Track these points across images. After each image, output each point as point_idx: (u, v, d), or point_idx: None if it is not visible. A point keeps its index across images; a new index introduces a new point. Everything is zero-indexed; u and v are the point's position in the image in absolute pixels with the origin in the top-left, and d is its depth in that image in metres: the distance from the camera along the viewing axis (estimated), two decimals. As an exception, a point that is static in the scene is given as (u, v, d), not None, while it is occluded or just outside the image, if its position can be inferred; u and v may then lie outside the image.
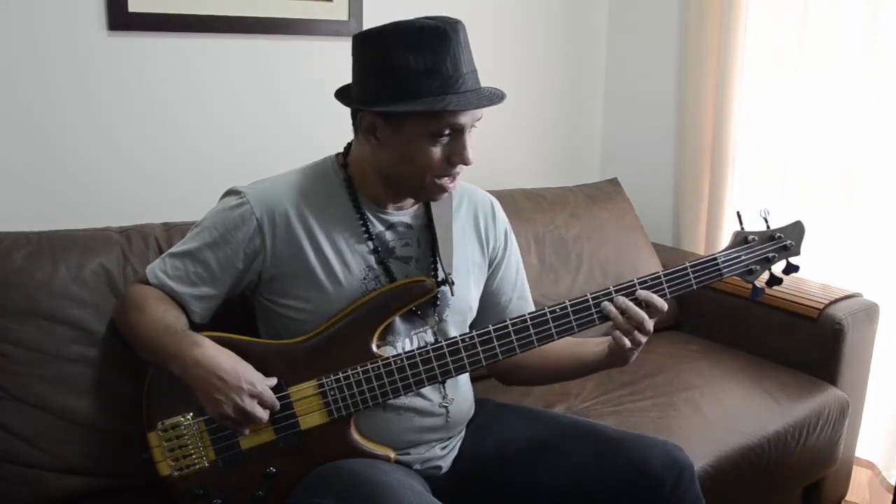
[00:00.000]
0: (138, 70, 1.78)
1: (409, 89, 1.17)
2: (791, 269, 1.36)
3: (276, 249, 1.29)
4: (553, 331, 1.28)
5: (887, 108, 2.00)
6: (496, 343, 1.27)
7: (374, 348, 1.28)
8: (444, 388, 1.36)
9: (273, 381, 1.25)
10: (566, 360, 1.41)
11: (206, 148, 1.91)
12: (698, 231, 2.40)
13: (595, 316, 1.28)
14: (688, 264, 1.31)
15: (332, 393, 1.26)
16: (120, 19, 1.72)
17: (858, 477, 2.18)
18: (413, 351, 1.27)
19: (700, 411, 1.77)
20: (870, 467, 2.20)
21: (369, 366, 1.26)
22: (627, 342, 1.26)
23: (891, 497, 2.08)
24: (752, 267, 1.35)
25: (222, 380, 1.19)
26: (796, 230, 1.37)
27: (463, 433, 1.45)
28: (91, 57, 1.72)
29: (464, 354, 1.27)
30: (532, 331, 1.28)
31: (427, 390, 1.33)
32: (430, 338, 1.35)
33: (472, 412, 1.47)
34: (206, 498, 1.27)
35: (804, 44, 2.12)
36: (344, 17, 2.01)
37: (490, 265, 1.46)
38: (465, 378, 1.44)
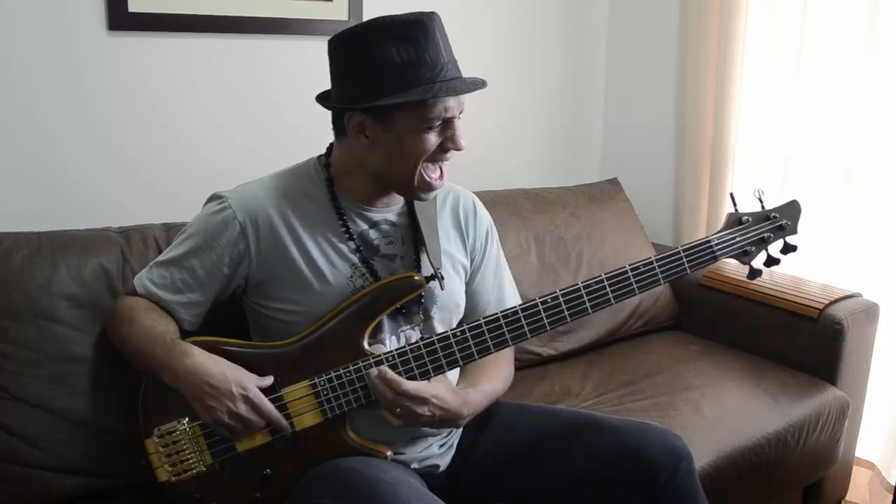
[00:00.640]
0: (138, 70, 1.79)
1: (395, 82, 1.17)
2: (788, 248, 1.34)
3: (261, 253, 1.29)
4: (545, 321, 1.27)
5: (887, 109, 2.00)
6: (488, 335, 1.27)
7: (366, 346, 1.28)
8: None
9: (269, 380, 1.25)
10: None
11: (206, 148, 1.91)
12: (698, 231, 2.40)
13: (587, 304, 1.27)
14: (680, 248, 1.31)
15: (325, 393, 1.26)
16: (120, 19, 1.73)
17: (858, 477, 2.18)
18: (405, 347, 1.26)
19: (700, 411, 1.77)
20: (870, 467, 2.20)
21: (361, 364, 1.26)
22: (389, 416, 1.22)
23: (891, 497, 2.08)
24: (748, 248, 1.34)
25: (213, 386, 1.19)
26: (792, 209, 1.36)
27: (460, 431, 1.45)
28: (91, 57, 1.72)
29: (455, 348, 1.27)
30: (524, 322, 1.27)
31: None
32: (416, 335, 1.34)
33: None
34: (204, 501, 1.28)
35: (804, 43, 2.12)
36: (344, 17, 2.01)
37: (471, 263, 1.46)
38: (456, 376, 1.43)
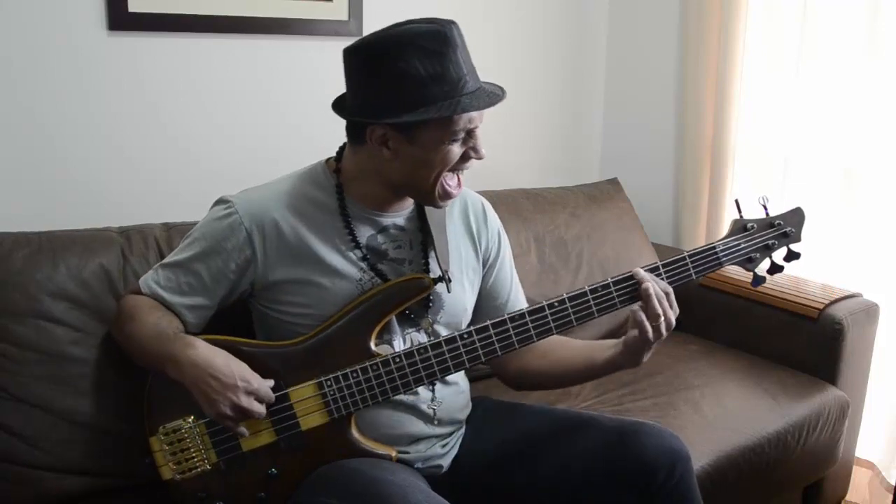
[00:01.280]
0: (138, 70, 1.78)
1: (419, 97, 1.17)
2: (792, 256, 1.35)
3: (268, 258, 1.29)
4: (551, 324, 1.27)
5: (887, 109, 2.00)
6: (495, 338, 1.27)
7: (373, 347, 1.28)
8: (433, 388, 1.36)
9: (269, 383, 1.25)
10: (577, 363, 1.40)
11: (207, 148, 1.91)
12: (698, 231, 2.40)
13: (594, 308, 1.28)
14: (686, 254, 1.31)
15: (332, 393, 1.26)
16: (120, 19, 1.72)
17: (858, 477, 2.18)
18: (412, 349, 1.26)
19: (700, 411, 1.77)
20: (870, 467, 2.20)
21: (368, 365, 1.26)
22: (651, 332, 1.24)
23: (891, 497, 2.09)
24: (752, 255, 1.34)
25: (217, 379, 1.19)
26: (796, 217, 1.36)
27: (462, 432, 1.45)
28: (91, 57, 1.72)
29: (462, 350, 1.27)
30: (530, 324, 1.27)
31: (418, 390, 1.32)
32: (422, 338, 1.34)
33: (468, 409, 1.47)
34: (208, 500, 1.27)
35: (804, 43, 2.12)
36: (344, 17, 2.01)
37: (484, 266, 1.46)
38: (459, 378, 1.43)
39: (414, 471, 1.32)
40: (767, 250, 1.35)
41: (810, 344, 1.97)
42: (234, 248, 1.28)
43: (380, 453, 1.29)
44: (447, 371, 1.27)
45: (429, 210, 1.37)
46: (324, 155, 1.39)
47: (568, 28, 2.51)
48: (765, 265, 1.37)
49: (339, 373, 1.26)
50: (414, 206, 1.38)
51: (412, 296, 1.30)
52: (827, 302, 1.96)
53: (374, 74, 1.21)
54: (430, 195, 1.27)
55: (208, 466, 1.27)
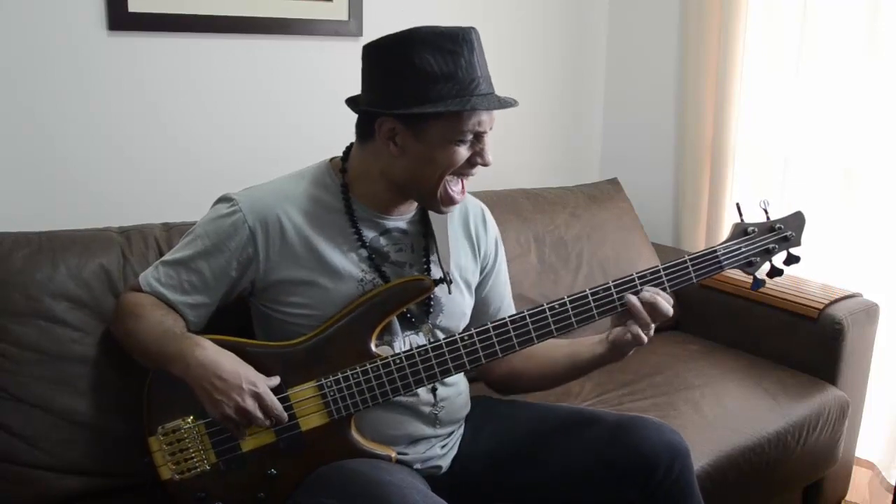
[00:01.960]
0: (138, 70, 1.78)
1: (430, 92, 1.18)
2: (792, 260, 1.35)
3: (270, 257, 1.28)
4: (552, 326, 1.27)
5: (887, 109, 2.00)
6: (495, 340, 1.27)
7: (373, 348, 1.28)
8: (434, 390, 1.36)
9: (276, 380, 1.25)
10: (563, 362, 1.41)
11: (207, 148, 1.91)
12: (698, 231, 2.40)
13: (594, 311, 1.28)
14: (687, 257, 1.31)
15: (332, 394, 1.26)
16: (120, 19, 1.72)
17: (858, 477, 2.18)
18: (412, 350, 1.27)
19: (700, 411, 1.77)
20: (870, 467, 2.20)
21: (368, 366, 1.26)
22: (644, 337, 1.26)
23: (891, 497, 2.09)
24: (753, 259, 1.34)
25: (223, 380, 1.19)
26: (797, 221, 1.36)
27: (461, 432, 1.45)
28: (91, 57, 1.72)
29: (463, 352, 1.27)
30: (531, 326, 1.27)
31: (418, 391, 1.33)
32: (421, 340, 1.34)
33: (467, 409, 1.47)
34: (207, 500, 1.27)
35: (804, 43, 2.12)
36: (344, 17, 2.01)
37: (481, 272, 1.47)
38: (459, 379, 1.43)
39: (413, 471, 1.32)
40: (768, 254, 1.35)
41: (810, 344, 1.97)
42: (236, 247, 1.28)
43: (379, 454, 1.29)
44: (447, 372, 1.27)
45: (432, 213, 1.37)
46: (324, 155, 1.39)
47: (568, 28, 2.51)
48: (765, 268, 1.37)
49: (339, 374, 1.26)
50: (417, 209, 1.38)
51: (413, 297, 1.30)
52: (827, 302, 1.96)
53: (389, 68, 1.22)
54: (432, 198, 1.27)
55: (207, 467, 1.27)
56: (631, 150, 2.61)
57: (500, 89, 1.26)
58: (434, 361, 1.26)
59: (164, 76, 1.82)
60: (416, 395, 1.33)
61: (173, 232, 1.59)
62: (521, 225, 2.07)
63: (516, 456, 1.39)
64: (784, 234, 1.35)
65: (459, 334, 1.27)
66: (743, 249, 1.34)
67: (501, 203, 2.06)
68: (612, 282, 1.28)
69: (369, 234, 1.33)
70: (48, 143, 1.71)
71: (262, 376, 1.23)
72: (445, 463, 1.40)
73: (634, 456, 1.30)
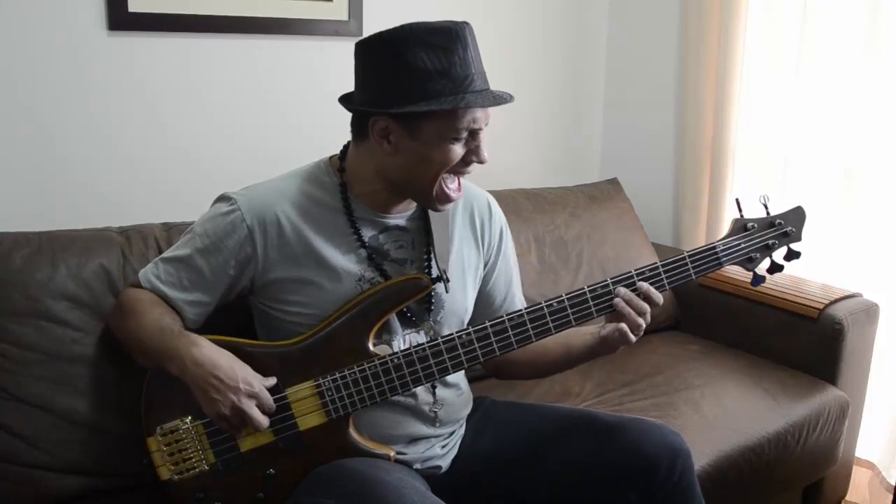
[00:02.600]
0: (138, 70, 1.79)
1: (424, 90, 1.17)
2: (792, 255, 1.34)
3: (268, 256, 1.28)
4: (550, 325, 1.27)
5: (887, 109, 2.00)
6: (493, 339, 1.27)
7: (371, 347, 1.28)
8: (433, 390, 1.36)
9: (272, 380, 1.25)
10: (556, 352, 1.41)
11: (206, 148, 1.91)
12: (698, 231, 2.40)
13: (593, 309, 1.28)
14: (686, 254, 1.31)
15: (330, 393, 1.26)
16: (120, 19, 1.72)
17: (858, 477, 2.18)
18: (410, 349, 1.26)
19: (700, 411, 1.77)
20: (870, 467, 2.20)
21: (366, 365, 1.26)
22: (632, 336, 1.26)
23: (891, 497, 2.08)
24: (752, 255, 1.33)
25: (220, 379, 1.19)
26: (797, 216, 1.35)
27: (461, 432, 1.45)
28: (91, 57, 1.72)
29: (461, 351, 1.27)
30: (529, 325, 1.27)
31: (417, 390, 1.33)
32: (422, 339, 1.34)
33: (468, 408, 1.47)
34: (206, 501, 1.27)
35: (804, 43, 2.12)
36: (344, 17, 2.01)
37: (485, 265, 1.46)
38: (459, 379, 1.43)
39: (411, 471, 1.32)
40: (768, 250, 1.34)
41: (810, 344, 1.97)
42: (235, 245, 1.28)
43: (378, 453, 1.29)
44: (445, 371, 1.27)
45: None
46: (324, 155, 1.39)
47: (568, 28, 2.51)
48: (765, 264, 1.37)
49: (336, 373, 1.26)
50: (417, 206, 1.38)
51: (410, 296, 1.30)
52: (827, 302, 1.96)
53: (381, 66, 1.21)
54: (428, 196, 1.27)
55: (206, 467, 1.27)
56: (631, 150, 2.61)
57: (500, 89, 1.25)
58: (432, 361, 1.26)
59: (164, 76, 1.82)
60: (415, 394, 1.33)
61: (173, 232, 1.59)
62: (521, 225, 2.07)
63: (517, 457, 1.39)
64: (784, 229, 1.34)
65: (457, 333, 1.27)
66: (742, 245, 1.33)
67: (501, 203, 2.02)
68: (611, 279, 1.28)
69: (368, 233, 1.33)
70: (48, 143, 1.71)
71: (258, 376, 1.23)
72: (445, 463, 1.39)
73: (635, 457, 1.30)
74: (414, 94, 1.17)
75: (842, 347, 1.92)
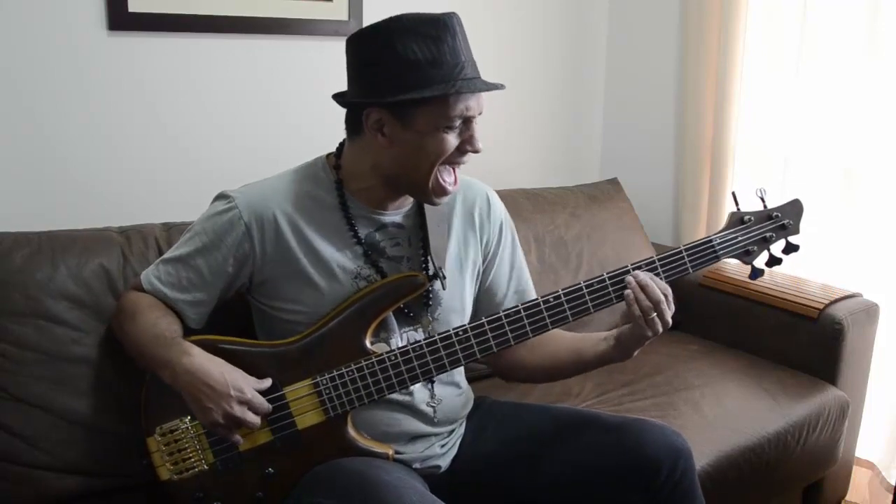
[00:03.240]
0: (138, 70, 1.79)
1: (416, 79, 1.17)
2: (791, 248, 1.33)
3: (266, 254, 1.29)
4: (547, 320, 1.27)
5: (887, 109, 2.00)
6: (490, 335, 1.27)
7: (368, 345, 1.28)
8: (432, 386, 1.36)
9: (266, 382, 1.25)
10: (566, 358, 1.40)
11: (206, 148, 1.91)
12: (698, 231, 2.40)
13: (590, 304, 1.27)
14: (683, 247, 1.30)
15: (328, 391, 1.26)
16: (120, 19, 1.72)
17: (858, 477, 2.18)
18: (407, 346, 1.26)
19: (700, 411, 1.77)
20: (870, 467, 2.20)
21: (363, 363, 1.26)
22: (649, 331, 1.25)
23: (891, 497, 2.08)
24: (750, 248, 1.33)
25: (211, 388, 1.19)
26: (794, 209, 1.35)
27: (461, 432, 1.45)
28: (91, 57, 1.72)
29: (458, 347, 1.27)
30: (526, 321, 1.27)
31: (415, 388, 1.33)
32: (419, 336, 1.34)
33: (468, 407, 1.47)
34: (206, 500, 1.27)
35: (804, 43, 2.12)
36: (344, 17, 2.01)
37: (483, 260, 1.46)
38: (458, 378, 1.43)
39: (410, 470, 1.32)
40: (765, 243, 1.34)
41: (810, 344, 1.97)
42: (233, 243, 1.28)
43: (376, 452, 1.29)
44: (443, 369, 1.27)
45: (427, 206, 1.36)
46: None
47: (568, 28, 2.51)
48: (763, 258, 1.36)
49: (334, 371, 1.26)
50: (413, 203, 1.38)
51: (406, 293, 1.30)
52: (827, 302, 1.96)
53: (372, 59, 1.21)
54: (424, 189, 1.26)
55: (205, 467, 1.27)
56: (631, 150, 2.61)
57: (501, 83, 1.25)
58: (429, 358, 1.26)
59: (164, 76, 1.82)
60: (413, 392, 1.33)
61: (173, 232, 1.59)
62: (521, 225, 2.07)
63: (517, 457, 1.39)
64: (781, 222, 1.33)
65: (454, 329, 1.27)
66: (740, 238, 1.33)
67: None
68: (607, 273, 1.28)
69: (365, 230, 1.33)
70: (48, 143, 1.72)
71: (250, 380, 1.23)
72: (445, 462, 1.39)
73: (637, 458, 1.30)
74: (406, 83, 1.17)
75: (842, 347, 1.92)
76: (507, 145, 2.39)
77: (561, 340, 1.42)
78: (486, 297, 1.47)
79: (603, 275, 1.28)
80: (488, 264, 1.46)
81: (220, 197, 1.33)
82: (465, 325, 1.27)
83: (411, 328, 1.34)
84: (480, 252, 1.44)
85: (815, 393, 1.89)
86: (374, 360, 1.26)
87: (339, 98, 1.30)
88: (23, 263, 1.43)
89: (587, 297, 1.27)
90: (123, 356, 1.36)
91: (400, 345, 1.31)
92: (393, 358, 1.26)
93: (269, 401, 1.24)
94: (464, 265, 1.41)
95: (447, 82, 1.17)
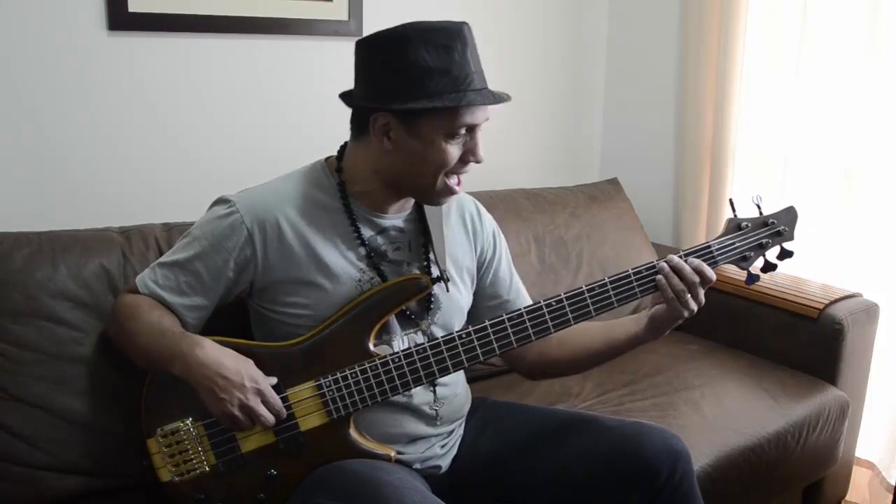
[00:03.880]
0: (138, 70, 1.78)
1: (425, 87, 1.18)
2: (785, 254, 1.36)
3: (268, 258, 1.28)
4: (549, 324, 1.28)
5: (887, 109, 2.00)
6: (493, 338, 1.27)
7: (371, 347, 1.28)
8: (434, 388, 1.36)
9: (273, 380, 1.25)
10: (597, 347, 1.41)
11: (206, 148, 1.91)
12: (698, 231, 2.40)
13: (591, 309, 1.28)
14: (682, 252, 1.32)
15: (331, 393, 1.26)
16: (120, 19, 1.72)
17: (858, 477, 2.18)
18: (410, 349, 1.27)
19: (700, 411, 1.77)
20: (870, 467, 2.20)
21: (367, 365, 1.26)
22: (684, 311, 1.29)
23: (891, 497, 2.08)
24: (747, 254, 1.35)
25: (226, 378, 1.19)
26: (789, 216, 1.37)
27: (461, 432, 1.45)
28: (91, 57, 1.72)
29: (460, 350, 1.27)
30: (528, 324, 1.28)
31: (417, 390, 1.33)
32: (420, 339, 1.34)
33: (467, 407, 1.47)
34: (207, 502, 1.27)
35: (804, 43, 2.12)
36: (344, 17, 2.01)
37: (481, 267, 1.47)
38: (459, 378, 1.43)
39: (412, 471, 1.32)
40: (761, 249, 1.36)
41: (810, 344, 1.97)
42: (234, 247, 1.27)
43: (378, 453, 1.29)
44: (446, 371, 1.28)
45: (428, 211, 1.37)
46: (324, 155, 1.39)
47: (568, 28, 2.51)
48: (759, 264, 1.38)
49: (337, 373, 1.26)
50: (413, 207, 1.38)
51: (410, 296, 1.30)
52: (827, 302, 1.96)
53: (382, 64, 1.22)
54: (429, 193, 1.27)
55: (207, 468, 1.27)
56: (631, 150, 2.61)
57: (500, 89, 1.26)
58: (433, 360, 1.27)
59: (164, 76, 1.82)
60: (415, 394, 1.33)
61: (173, 232, 1.59)
62: (521, 225, 2.07)
63: (516, 458, 1.39)
64: (777, 228, 1.35)
65: (458, 332, 1.27)
66: (737, 244, 1.34)
67: (501, 203, 2.06)
68: (608, 278, 1.29)
69: (367, 233, 1.33)
70: (48, 143, 1.71)
71: (262, 373, 1.23)
72: (445, 463, 1.40)
73: (636, 461, 1.30)
74: (415, 91, 1.18)
75: (842, 347, 1.92)
76: (507, 145, 2.39)
77: (587, 331, 1.42)
78: (488, 300, 1.47)
79: (604, 279, 1.29)
80: (486, 269, 1.47)
81: (220, 201, 1.32)
82: (468, 328, 1.28)
83: (412, 331, 1.35)
84: (475, 258, 1.45)
85: (815, 393, 1.89)
86: (377, 362, 1.26)
87: (346, 99, 1.30)
88: (23, 263, 1.43)
89: (588, 301, 1.29)
90: (124, 356, 1.35)
91: (402, 347, 1.31)
92: (396, 360, 1.26)
93: None
94: (460, 270, 1.42)
95: (456, 92, 1.18)
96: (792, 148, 2.20)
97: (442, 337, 1.27)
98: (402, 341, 1.33)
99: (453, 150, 1.23)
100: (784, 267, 1.38)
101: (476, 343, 1.27)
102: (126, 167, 1.82)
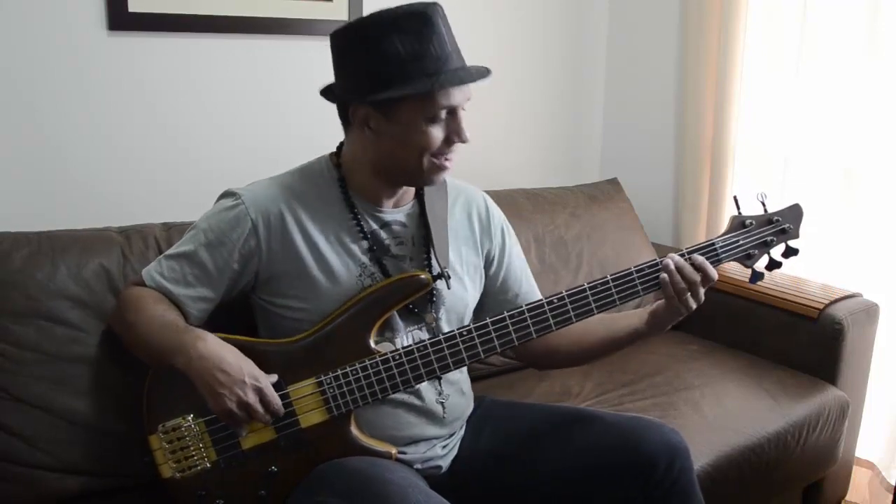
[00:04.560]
0: (138, 70, 1.79)
1: (398, 74, 1.18)
2: (790, 252, 1.35)
3: (272, 250, 1.29)
4: (551, 321, 1.28)
5: (887, 109, 2.00)
6: (494, 335, 1.27)
7: (372, 344, 1.28)
8: (439, 384, 1.36)
9: (273, 377, 1.25)
10: (599, 338, 1.41)
11: (206, 148, 1.91)
12: (698, 231, 2.40)
13: (593, 306, 1.28)
14: (685, 250, 1.31)
15: (332, 390, 1.26)
16: (120, 19, 1.72)
17: (858, 477, 2.18)
18: (411, 346, 1.27)
19: (700, 411, 1.77)
20: (870, 467, 2.20)
21: (367, 362, 1.26)
22: (683, 308, 1.29)
23: (891, 497, 2.08)
24: (751, 251, 1.34)
25: (226, 373, 1.19)
26: (794, 213, 1.36)
27: (462, 432, 1.45)
28: (91, 57, 1.72)
29: (462, 348, 1.27)
30: (529, 321, 1.28)
31: (423, 386, 1.33)
32: (424, 335, 1.34)
33: (470, 408, 1.47)
34: (208, 498, 1.27)
35: (804, 43, 2.12)
36: (344, 16, 2.01)
37: (490, 264, 1.47)
38: (462, 375, 1.43)
39: (413, 470, 1.32)
40: (766, 247, 1.35)
41: (810, 344, 1.97)
42: (238, 238, 1.28)
43: (379, 451, 1.29)
44: (447, 368, 1.28)
45: (430, 206, 1.37)
46: (323, 154, 1.39)
47: (568, 28, 2.51)
48: (763, 261, 1.37)
49: (338, 370, 1.26)
50: (415, 202, 1.38)
51: (411, 293, 1.30)
52: (827, 302, 1.96)
53: (355, 55, 1.22)
54: (417, 174, 1.27)
55: (208, 465, 1.27)
56: (631, 150, 2.61)
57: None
58: (434, 357, 1.27)
59: (164, 76, 1.82)
60: (419, 392, 1.33)
61: (173, 232, 1.59)
62: (521, 225, 2.07)
63: (516, 456, 1.39)
64: (782, 226, 1.35)
65: (459, 330, 1.27)
66: (741, 242, 1.34)
67: (501, 203, 2.02)
68: (611, 276, 1.29)
69: (370, 227, 1.34)
70: (48, 143, 1.72)
71: (262, 371, 1.23)
72: (445, 463, 1.40)
73: (634, 456, 1.30)
74: (389, 79, 1.18)
75: (842, 347, 1.92)
76: (507, 145, 2.39)
77: (590, 323, 1.41)
78: (500, 297, 1.47)
79: (606, 277, 1.29)
80: (498, 265, 1.47)
81: (227, 194, 1.33)
82: (469, 326, 1.28)
83: (416, 327, 1.35)
84: (482, 255, 1.45)
85: (815, 393, 1.89)
86: (378, 359, 1.27)
87: (327, 94, 1.31)
88: (23, 263, 1.43)
89: (591, 299, 1.29)
90: (123, 356, 1.36)
91: (405, 344, 1.32)
92: (397, 357, 1.26)
93: None
94: (465, 266, 1.41)
95: (430, 76, 1.18)
96: (792, 148, 2.20)
97: (443, 334, 1.27)
98: (405, 338, 1.33)
99: (436, 133, 1.22)
100: (784, 267, 1.38)
101: (477, 340, 1.27)
102: (126, 167, 1.82)
